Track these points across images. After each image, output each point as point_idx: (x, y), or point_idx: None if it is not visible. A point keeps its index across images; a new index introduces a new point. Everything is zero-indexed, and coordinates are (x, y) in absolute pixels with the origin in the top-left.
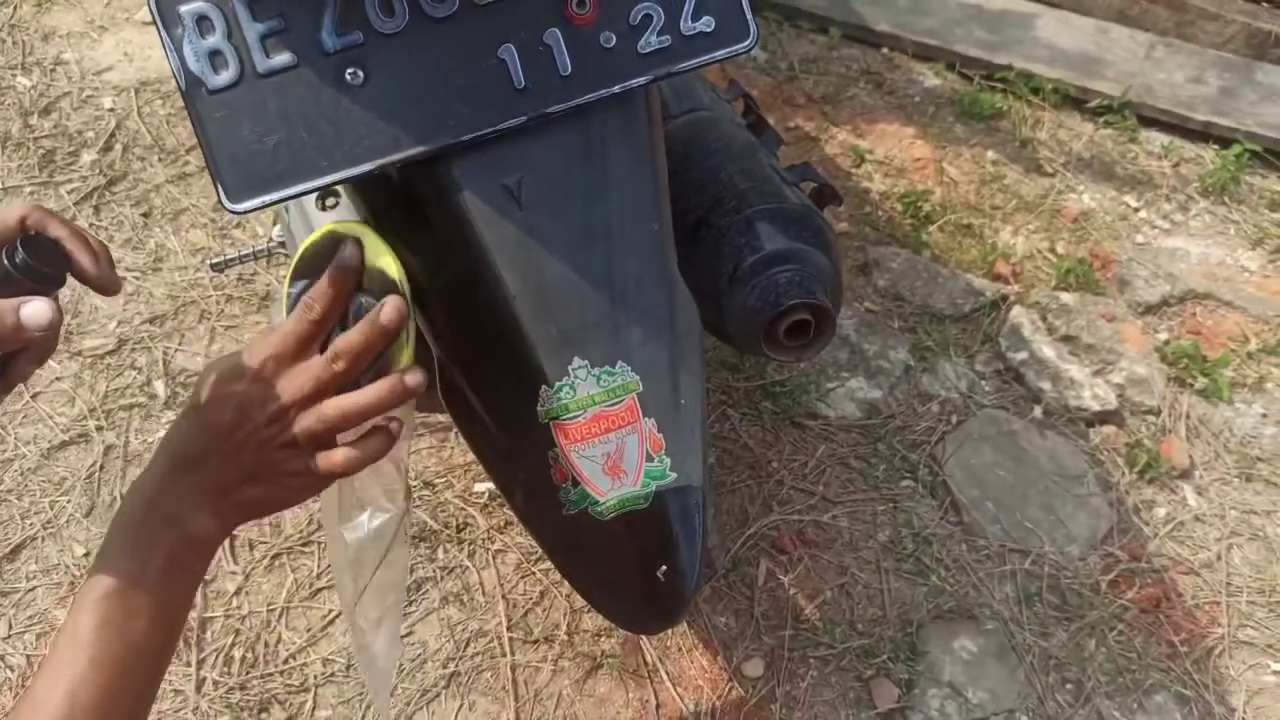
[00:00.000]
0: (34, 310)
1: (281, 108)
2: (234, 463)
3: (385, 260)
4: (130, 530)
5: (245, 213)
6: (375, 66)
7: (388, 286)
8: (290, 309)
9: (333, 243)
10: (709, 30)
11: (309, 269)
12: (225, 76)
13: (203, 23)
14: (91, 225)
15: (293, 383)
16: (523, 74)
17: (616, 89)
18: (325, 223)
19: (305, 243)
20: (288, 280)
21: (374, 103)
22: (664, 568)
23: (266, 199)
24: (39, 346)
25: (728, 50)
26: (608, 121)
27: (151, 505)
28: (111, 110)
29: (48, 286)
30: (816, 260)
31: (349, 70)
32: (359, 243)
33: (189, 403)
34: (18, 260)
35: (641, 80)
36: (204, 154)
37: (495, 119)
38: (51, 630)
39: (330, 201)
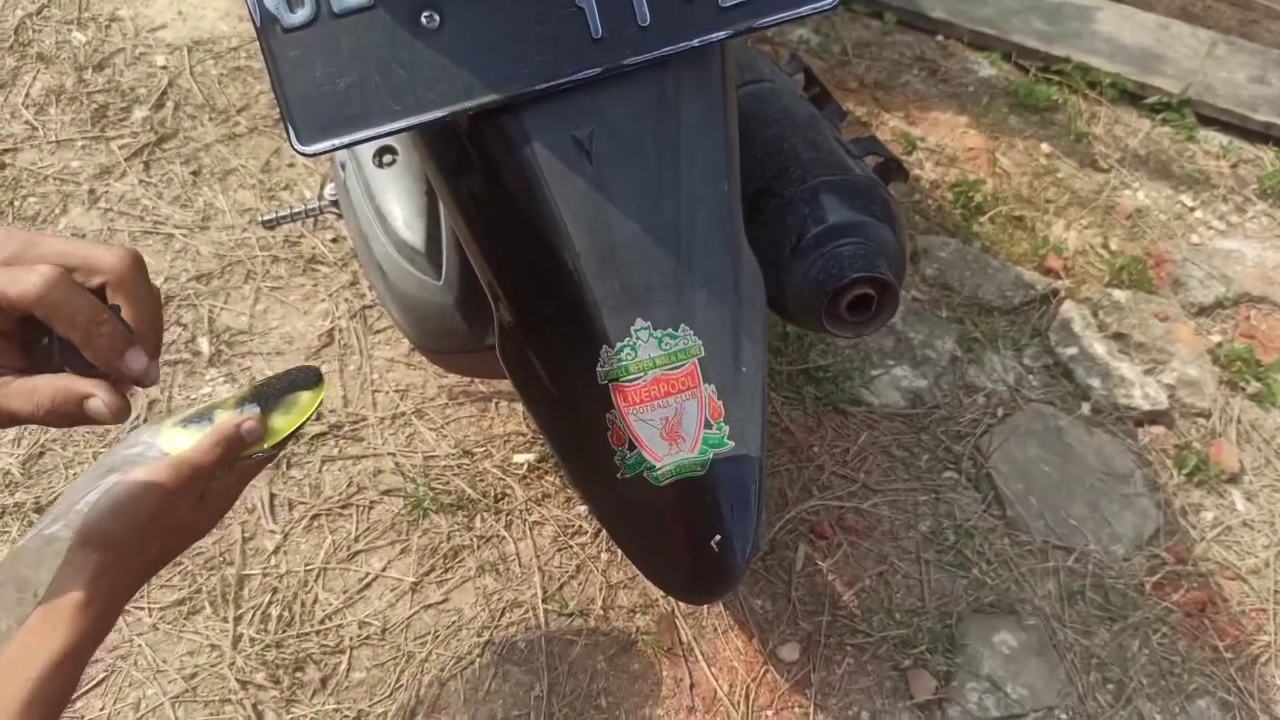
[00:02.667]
0: (96, 407)
1: (355, 49)
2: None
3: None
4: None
5: (315, 155)
6: (451, 10)
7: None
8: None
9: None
10: None
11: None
12: (301, 15)
13: None
14: (141, 181)
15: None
16: (600, 23)
17: (695, 43)
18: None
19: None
20: (240, 397)
21: (448, 48)
22: (717, 538)
23: (337, 142)
24: None
25: (812, 6)
26: (683, 77)
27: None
28: (164, 68)
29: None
30: (881, 234)
31: (425, 13)
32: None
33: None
34: (55, 352)
35: (721, 35)
36: (275, 94)
37: (570, 69)
38: None
39: (387, 159)
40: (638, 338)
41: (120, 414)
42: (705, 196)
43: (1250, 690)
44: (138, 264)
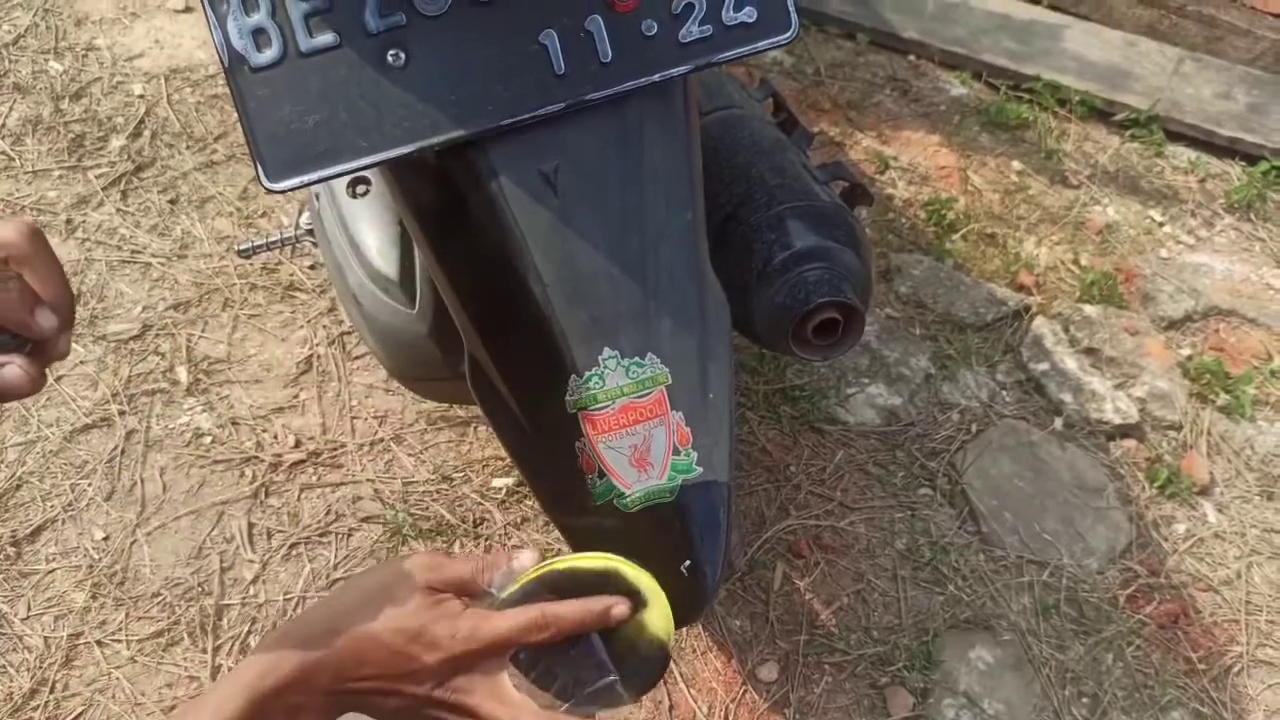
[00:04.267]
0: (13, 374)
1: (323, 87)
2: (380, 701)
3: (661, 637)
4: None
5: (283, 192)
6: (417, 48)
7: (641, 660)
8: (512, 597)
9: (601, 577)
10: (750, 21)
11: (556, 583)
12: (268, 55)
13: (248, 0)
14: (118, 210)
15: (489, 691)
16: (563, 60)
17: (656, 78)
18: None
19: (580, 560)
20: (534, 572)
21: (414, 85)
22: (687, 562)
23: (305, 178)
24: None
25: (769, 41)
26: (646, 110)
27: (277, 692)
28: (141, 97)
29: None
30: (846, 259)
31: (391, 51)
32: (636, 600)
33: (354, 613)
34: None
35: (682, 70)
36: (244, 132)
37: (534, 104)
38: (70, 613)
39: (361, 189)
40: (606, 367)
41: (36, 383)
42: (670, 227)
43: (1224, 701)
44: (36, 235)
